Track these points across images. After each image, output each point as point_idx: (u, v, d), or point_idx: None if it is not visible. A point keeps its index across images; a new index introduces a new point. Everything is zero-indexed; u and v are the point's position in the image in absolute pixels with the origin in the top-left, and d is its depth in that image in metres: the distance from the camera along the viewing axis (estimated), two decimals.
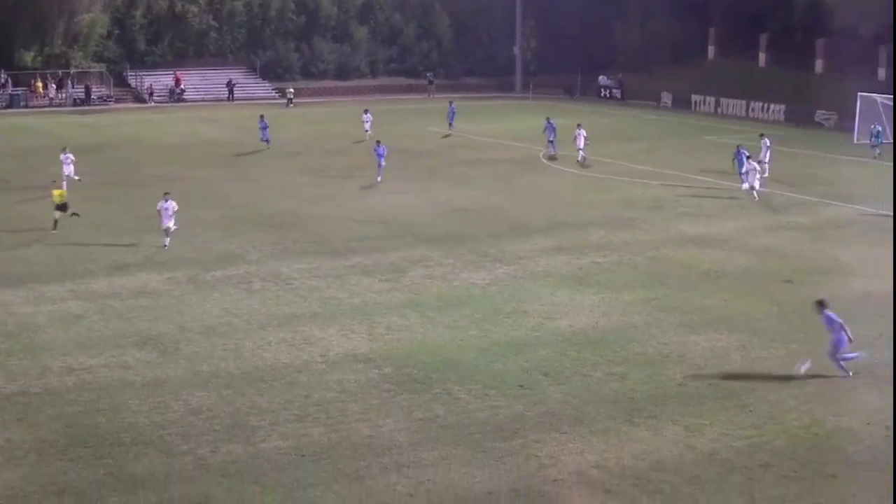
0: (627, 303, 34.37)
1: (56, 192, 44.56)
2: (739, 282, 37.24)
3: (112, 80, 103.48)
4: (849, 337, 27.45)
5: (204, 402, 25.62)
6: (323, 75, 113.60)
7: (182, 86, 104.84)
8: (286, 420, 24.56)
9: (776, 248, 42.57)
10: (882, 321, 32.40)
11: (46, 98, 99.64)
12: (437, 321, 32.27)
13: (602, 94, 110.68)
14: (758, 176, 51.94)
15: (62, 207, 44.09)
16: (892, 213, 46.68)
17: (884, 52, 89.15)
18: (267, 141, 69.45)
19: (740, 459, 22.64)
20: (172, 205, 41.46)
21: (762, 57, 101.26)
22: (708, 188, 55.54)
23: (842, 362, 27.56)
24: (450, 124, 79.64)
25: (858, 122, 72.99)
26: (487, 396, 26.08)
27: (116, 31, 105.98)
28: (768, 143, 59.07)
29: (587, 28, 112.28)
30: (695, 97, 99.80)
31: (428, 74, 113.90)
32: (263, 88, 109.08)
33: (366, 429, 24.10)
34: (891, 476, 21.86)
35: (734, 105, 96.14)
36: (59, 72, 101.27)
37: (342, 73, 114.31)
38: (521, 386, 26.79)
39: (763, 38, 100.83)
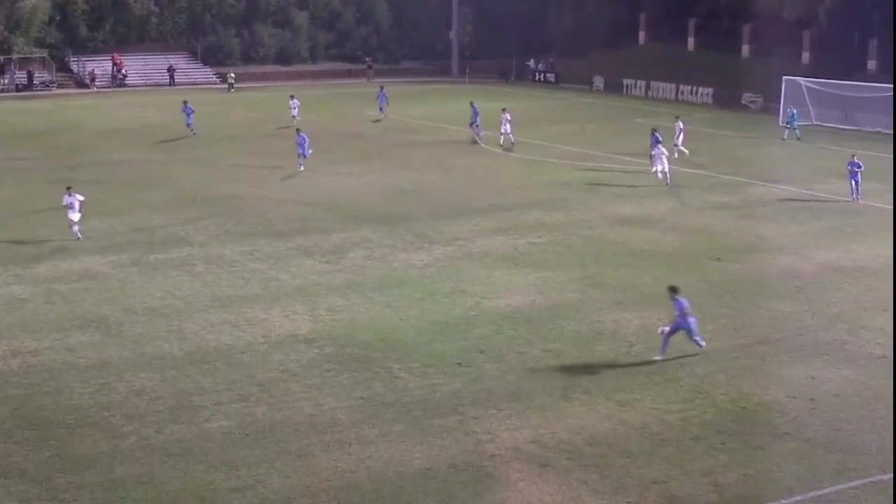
0: (562, 281, 34.53)
1: None
2: (670, 260, 37.52)
3: (54, 66, 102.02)
4: (691, 326, 27.33)
5: (148, 384, 25.48)
6: (264, 60, 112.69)
7: (124, 71, 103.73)
8: (230, 400, 24.48)
9: (705, 227, 42.91)
10: (803, 296, 32.85)
11: None
12: (377, 301, 32.26)
13: (536, 78, 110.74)
14: (665, 159, 51.50)
15: None
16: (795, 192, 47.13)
17: (807, 37, 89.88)
18: (189, 126, 68.39)
19: (671, 432, 22.85)
20: (78, 197, 39.95)
21: (691, 41, 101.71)
22: (640, 170, 55.79)
23: (666, 343, 27.32)
24: (380, 109, 79.20)
25: (783, 105, 73.57)
26: (426, 374, 26.13)
27: (58, 17, 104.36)
28: (682, 126, 59.71)
29: (523, 13, 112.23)
30: (626, 81, 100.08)
31: (367, 59, 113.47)
32: (204, 74, 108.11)
33: (308, 407, 24.08)
34: (812, 446, 22.18)
35: (664, 88, 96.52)
36: (1, 57, 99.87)
37: (283, 58, 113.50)
38: (459, 364, 26.86)
39: (691, 23, 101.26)
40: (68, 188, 40.72)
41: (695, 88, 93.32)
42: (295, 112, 73.03)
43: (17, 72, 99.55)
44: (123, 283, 34.36)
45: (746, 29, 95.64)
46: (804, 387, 25.49)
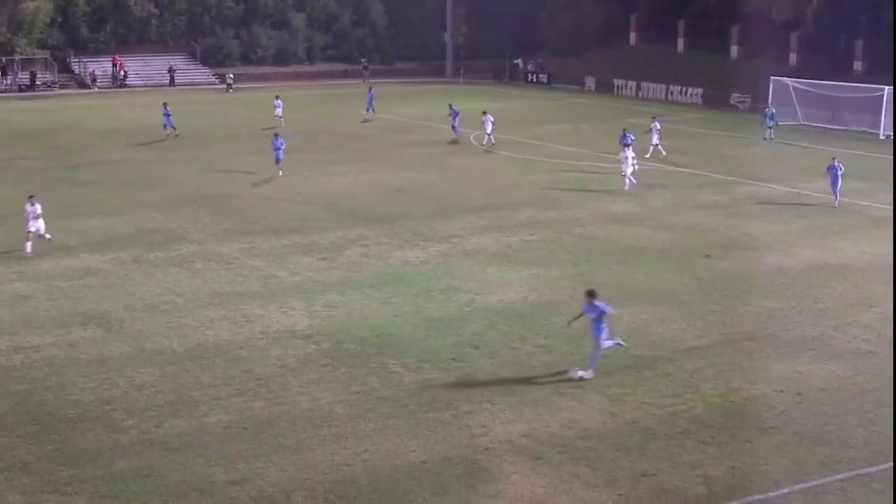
0: (554, 278, 34.54)
1: None
2: (660, 257, 37.55)
3: (56, 67, 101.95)
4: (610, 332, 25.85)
5: (148, 379, 25.47)
6: (262, 61, 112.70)
7: (124, 72, 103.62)
8: (228, 395, 24.48)
9: (695, 225, 42.95)
10: (790, 293, 32.90)
11: None
12: (374, 298, 32.26)
13: (529, 79, 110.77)
14: (631, 161, 50.99)
15: None
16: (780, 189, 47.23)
17: (795, 38, 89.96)
18: (166, 127, 66.81)
19: (661, 427, 22.87)
20: (38, 208, 37.56)
21: (680, 42, 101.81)
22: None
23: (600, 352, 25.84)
24: (368, 109, 79.14)
25: (771, 104, 73.63)
26: (421, 369, 26.14)
27: (60, 19, 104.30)
28: (658, 126, 60.33)
29: (518, 13, 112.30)
30: (617, 81, 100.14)
31: (362, 60, 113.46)
32: (203, 74, 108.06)
33: (305, 402, 24.07)
34: (798, 439, 22.22)
35: (654, 89, 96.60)
36: (4, 59, 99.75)
37: (281, 59, 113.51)
38: (454, 359, 26.87)
39: (681, 24, 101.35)
40: (30, 197, 38.33)
41: (684, 89, 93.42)
42: (279, 112, 72.83)
43: (19, 72, 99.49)
44: (124, 280, 34.34)
45: (735, 30, 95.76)
46: (791, 381, 25.52)
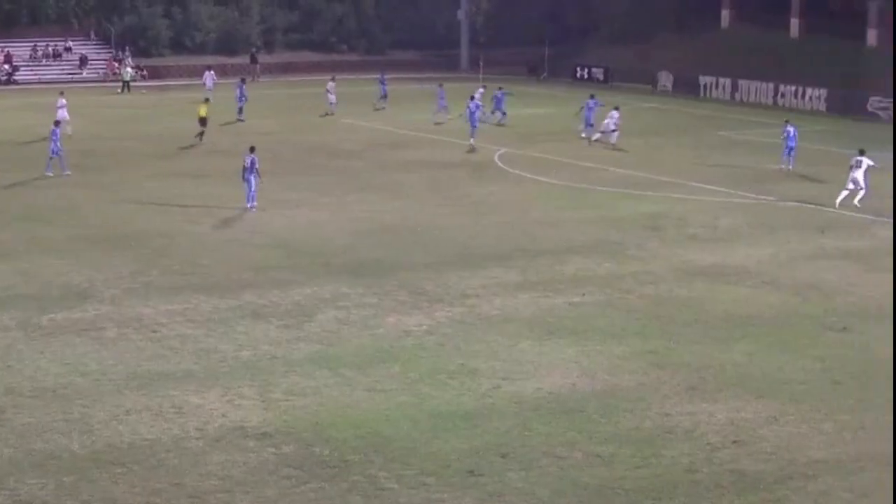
0: (616, 357, 34.39)
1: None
2: (770, 330, 37.37)
3: None
4: None
5: (37, 493, 25.28)
6: (202, 48, 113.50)
7: (10, 64, 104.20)
8: None
9: (820, 283, 42.80)
10: None
11: None
12: (356, 383, 32.12)
13: (578, 75, 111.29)
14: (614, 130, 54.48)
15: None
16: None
17: None
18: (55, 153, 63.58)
19: None
20: None
21: (795, 24, 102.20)
22: (725, 201, 55.79)
23: None
24: (441, 110, 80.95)
25: None
26: (425, 486, 25.94)
27: None
28: (616, 115, 65.50)
29: None
30: (704, 79, 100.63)
31: (252, 50, 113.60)
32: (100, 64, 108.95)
33: None
34: None
35: (758, 89, 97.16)
36: None
37: (227, 45, 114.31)
38: (471, 472, 26.67)
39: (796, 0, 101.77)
40: None
41: (801, 89, 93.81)
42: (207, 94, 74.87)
43: None
44: (6, 353, 34.25)
45: (874, 7, 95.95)
46: None
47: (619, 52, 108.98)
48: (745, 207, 52.82)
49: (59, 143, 62.23)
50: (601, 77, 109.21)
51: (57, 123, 64.89)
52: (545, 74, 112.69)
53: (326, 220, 51.86)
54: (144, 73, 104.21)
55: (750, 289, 41.99)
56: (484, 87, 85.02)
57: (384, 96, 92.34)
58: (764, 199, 56.04)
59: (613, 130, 70.93)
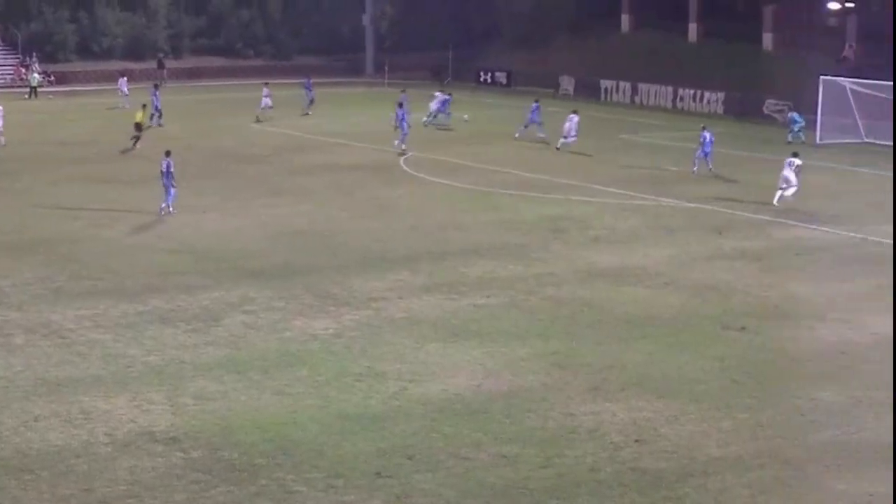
0: (520, 359, 34.43)
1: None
2: (670, 330, 37.53)
3: None
4: None
5: None
6: (108, 54, 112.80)
7: None
8: None
9: (717, 283, 43.02)
10: (855, 381, 32.90)
11: None
12: (264, 386, 31.99)
13: (482, 79, 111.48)
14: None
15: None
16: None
17: (853, 22, 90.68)
18: None
19: None
20: None
21: (693, 28, 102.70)
22: (627, 203, 56.00)
23: None
24: (530, 125, 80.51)
25: (821, 115, 73.95)
26: (333, 489, 25.88)
27: None
28: (575, 119, 66.92)
29: None
30: (605, 83, 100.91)
31: (159, 55, 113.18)
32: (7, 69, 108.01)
33: None
34: None
35: (657, 92, 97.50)
36: None
37: (134, 50, 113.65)
38: (378, 474, 26.63)
39: (693, 3, 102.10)
40: None
41: (699, 93, 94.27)
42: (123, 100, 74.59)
43: None
44: None
45: (769, 12, 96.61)
46: None
47: (521, 56, 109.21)
48: (644, 209, 53.07)
49: None
50: (504, 81, 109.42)
51: None
52: (449, 79, 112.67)
53: (234, 224, 51.65)
54: (52, 78, 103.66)
55: (650, 290, 42.18)
56: (441, 92, 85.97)
57: (311, 101, 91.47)
58: (664, 201, 56.30)
59: (574, 136, 71.13)
